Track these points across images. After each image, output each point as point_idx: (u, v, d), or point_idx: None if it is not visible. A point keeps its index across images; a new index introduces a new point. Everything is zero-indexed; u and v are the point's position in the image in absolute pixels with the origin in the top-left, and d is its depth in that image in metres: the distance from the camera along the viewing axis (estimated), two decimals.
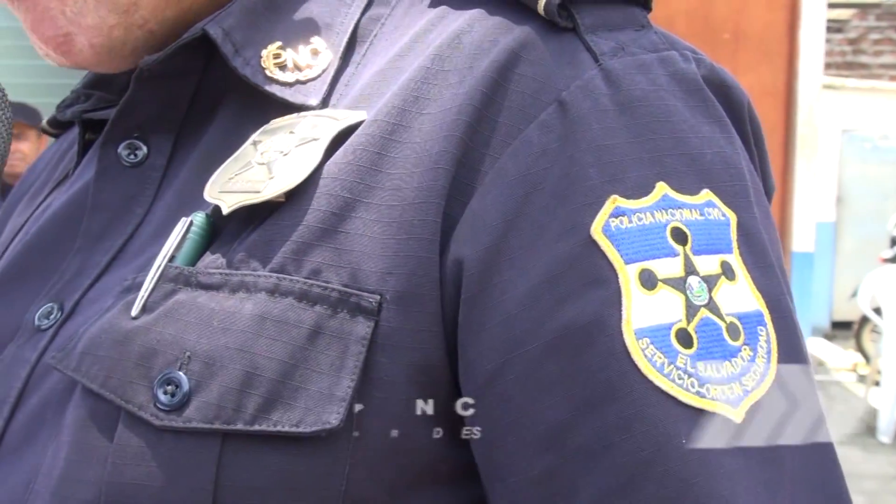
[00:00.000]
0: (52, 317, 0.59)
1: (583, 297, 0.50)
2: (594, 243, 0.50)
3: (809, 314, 5.44)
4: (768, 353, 0.52)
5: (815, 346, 7.61)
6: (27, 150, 3.30)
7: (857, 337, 7.00)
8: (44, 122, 0.79)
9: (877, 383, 6.05)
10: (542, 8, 0.56)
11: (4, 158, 0.73)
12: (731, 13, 5.13)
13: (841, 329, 8.22)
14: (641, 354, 0.49)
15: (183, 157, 0.63)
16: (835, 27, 8.99)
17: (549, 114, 0.54)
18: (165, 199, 0.61)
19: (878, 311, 6.01)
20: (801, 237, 5.17)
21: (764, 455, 0.49)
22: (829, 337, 8.28)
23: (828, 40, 8.28)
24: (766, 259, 0.55)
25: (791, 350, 0.53)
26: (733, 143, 0.56)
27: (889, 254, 6.53)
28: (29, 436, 0.56)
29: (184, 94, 0.64)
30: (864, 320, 6.70)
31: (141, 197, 0.62)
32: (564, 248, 0.51)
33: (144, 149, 0.64)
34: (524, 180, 0.52)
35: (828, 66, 8.27)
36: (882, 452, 5.48)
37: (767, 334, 0.52)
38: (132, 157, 0.63)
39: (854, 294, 6.57)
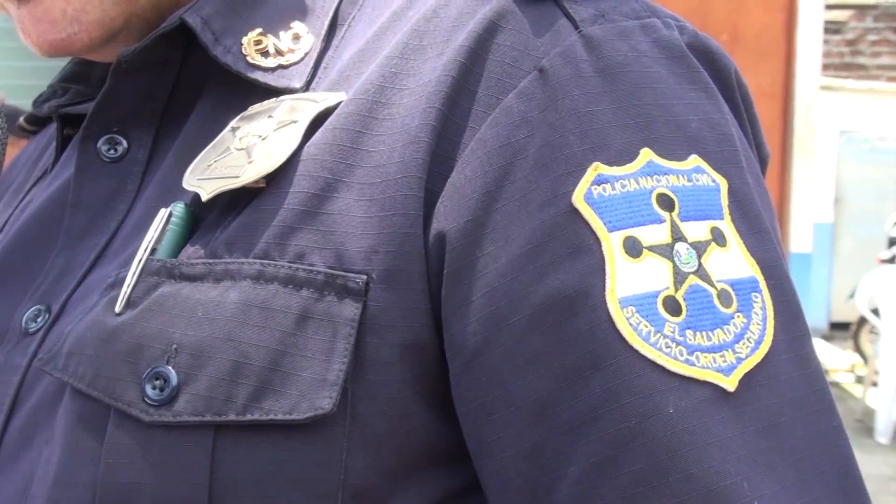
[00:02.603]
0: (39, 319, 0.58)
1: (565, 267, 0.49)
2: (576, 212, 0.49)
3: (807, 315, 5.43)
4: (764, 319, 0.50)
5: None
6: None
7: (855, 338, 7.00)
8: (20, 119, 0.78)
9: (874, 384, 6.05)
10: None
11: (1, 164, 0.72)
12: (728, 14, 5.13)
13: (839, 330, 8.21)
14: (626, 323, 0.47)
15: (165, 150, 0.62)
16: (832, 28, 9.00)
17: (528, 82, 0.53)
18: (147, 193, 0.60)
19: (875, 311, 6.01)
20: (799, 238, 5.17)
21: (761, 424, 0.48)
22: (827, 338, 8.28)
23: (826, 41, 8.28)
24: (760, 224, 0.53)
25: (789, 316, 0.51)
26: (721, 110, 0.55)
27: (887, 255, 6.53)
28: (25, 441, 0.56)
29: (163, 86, 0.63)
30: (862, 321, 6.70)
31: (123, 192, 0.61)
32: (545, 217, 0.50)
33: (125, 143, 0.63)
34: (504, 150, 0.51)
35: (825, 67, 8.27)
36: (880, 453, 5.48)
37: (763, 301, 0.50)
38: (112, 151, 0.62)
39: (852, 295, 6.57)
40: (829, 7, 8.37)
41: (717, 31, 5.10)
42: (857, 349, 7.01)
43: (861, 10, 9.23)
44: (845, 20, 9.20)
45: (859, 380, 6.90)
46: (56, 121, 0.70)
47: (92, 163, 0.62)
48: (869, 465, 5.25)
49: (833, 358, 7.62)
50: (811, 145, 5.13)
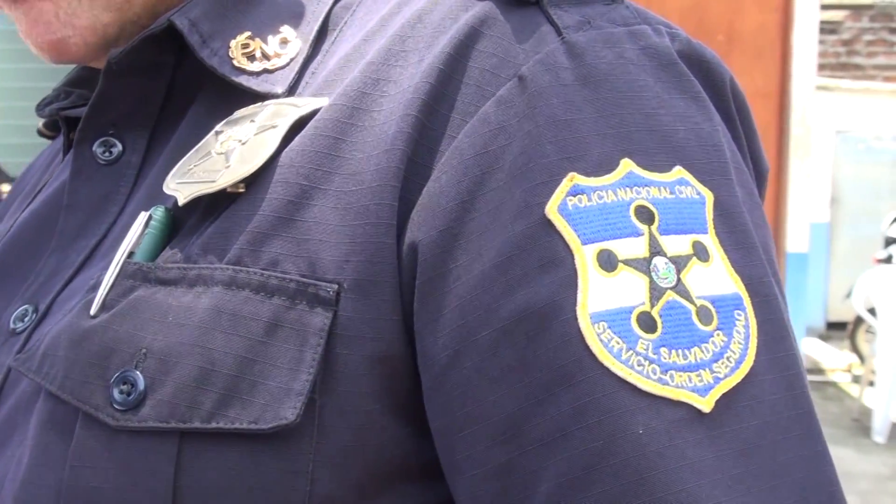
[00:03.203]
0: (26, 319, 0.58)
1: (537, 280, 0.47)
2: (549, 223, 0.48)
3: (804, 315, 5.44)
4: (746, 338, 0.48)
5: (810, 347, 7.62)
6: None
7: (852, 337, 7.00)
8: (40, 125, 0.78)
9: (871, 383, 6.06)
10: None
11: None
12: (724, 15, 5.13)
13: (836, 329, 8.22)
14: (597, 339, 0.46)
15: (158, 153, 0.62)
16: (829, 28, 9.00)
17: (507, 89, 0.51)
18: (138, 196, 0.60)
19: (872, 311, 6.02)
20: (796, 238, 5.17)
21: (739, 447, 0.46)
22: (823, 337, 8.28)
23: (822, 42, 8.29)
24: (747, 239, 0.51)
25: (775, 335, 0.49)
26: (711, 119, 0.53)
27: (883, 254, 6.53)
28: (3, 440, 0.55)
29: (157, 89, 0.63)
30: (859, 321, 6.71)
31: (115, 195, 0.61)
32: (519, 229, 0.48)
33: (119, 146, 0.62)
34: (481, 159, 0.50)
35: (822, 67, 8.27)
36: (876, 452, 5.49)
37: (746, 319, 0.49)
38: (107, 154, 0.62)
39: (848, 295, 6.58)
40: (825, 7, 8.38)
41: (713, 31, 5.10)
42: (854, 349, 7.01)
43: (857, 10, 9.24)
44: (841, 20, 9.21)
45: (856, 379, 6.90)
46: (61, 124, 0.70)
47: (87, 165, 0.62)
48: (865, 464, 5.25)
49: (830, 357, 7.62)
50: (807, 145, 5.13)
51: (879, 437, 5.66)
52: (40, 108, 0.73)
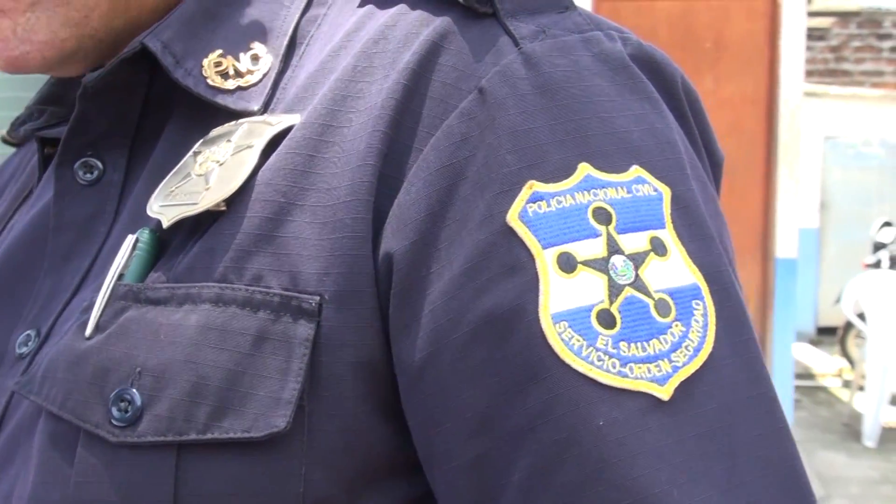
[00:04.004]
0: (30, 343, 0.60)
1: (501, 285, 0.50)
2: (511, 231, 0.50)
3: (794, 320, 5.45)
4: (704, 326, 0.50)
5: (800, 352, 7.63)
6: None
7: (842, 342, 7.02)
8: (3, 133, 0.78)
9: (861, 388, 6.08)
10: None
11: None
12: (712, 22, 5.15)
13: (826, 335, 8.24)
14: (558, 338, 0.48)
15: (138, 171, 0.63)
16: (817, 35, 9.05)
17: (469, 102, 0.53)
18: (123, 217, 0.61)
19: (861, 316, 6.04)
20: (785, 243, 5.19)
21: (699, 430, 0.48)
22: (814, 342, 8.31)
23: (810, 48, 8.33)
24: (704, 231, 0.53)
25: (733, 321, 0.52)
26: (665, 118, 0.55)
27: (872, 259, 6.56)
28: (6, 461, 0.57)
29: (132, 108, 0.64)
30: (849, 326, 6.73)
31: (102, 215, 0.62)
32: (482, 237, 0.51)
33: (100, 166, 0.63)
34: (447, 171, 0.52)
35: (810, 73, 8.31)
36: (867, 457, 5.50)
37: (704, 308, 0.51)
38: (88, 175, 0.63)
39: (838, 300, 6.60)
40: (813, 14, 8.42)
41: (701, 39, 5.12)
42: (844, 353, 7.04)
43: (844, 16, 9.29)
44: (829, 27, 9.25)
45: (846, 384, 6.93)
46: (36, 142, 0.71)
47: (70, 187, 0.63)
48: (856, 468, 5.26)
49: (820, 362, 7.64)
50: (796, 151, 5.15)
51: (870, 441, 5.68)
52: (14, 129, 0.74)
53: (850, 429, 5.98)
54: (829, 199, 8.60)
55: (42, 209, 0.66)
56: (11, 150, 0.81)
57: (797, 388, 6.19)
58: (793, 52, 5.11)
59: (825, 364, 7.62)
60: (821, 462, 5.29)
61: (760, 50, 5.14)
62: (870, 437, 5.68)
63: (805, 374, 7.28)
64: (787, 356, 5.33)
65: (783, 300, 5.25)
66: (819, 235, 8.44)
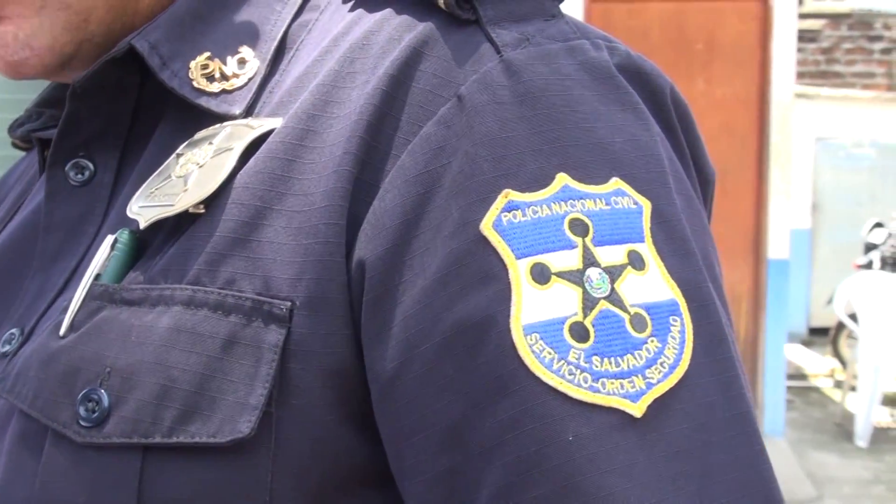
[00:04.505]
0: (13, 342, 0.60)
1: (473, 294, 0.49)
2: (484, 239, 0.49)
3: (786, 321, 5.46)
4: (681, 343, 0.49)
5: (792, 353, 7.65)
6: None
7: (834, 343, 7.04)
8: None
9: (853, 388, 6.09)
10: (442, 2, 0.55)
11: None
12: (704, 24, 5.17)
13: (818, 335, 8.25)
14: (529, 350, 0.47)
15: (129, 173, 0.63)
16: (808, 37, 9.07)
17: (447, 109, 0.53)
18: (111, 217, 0.61)
19: (853, 317, 6.05)
20: (777, 244, 5.20)
21: (671, 449, 0.47)
22: (806, 343, 8.32)
23: (801, 50, 8.36)
24: (684, 246, 0.52)
25: (712, 339, 0.51)
26: (649, 130, 0.54)
27: (863, 260, 6.58)
28: None
29: (124, 109, 0.64)
30: (841, 326, 6.74)
31: (91, 216, 0.62)
32: (455, 245, 0.50)
33: (91, 167, 0.63)
34: (422, 178, 0.52)
35: (801, 75, 8.34)
36: (859, 457, 5.51)
37: (682, 324, 0.50)
38: (80, 176, 0.63)
39: (830, 301, 6.62)
40: (804, 16, 8.44)
41: (693, 41, 5.14)
42: (836, 354, 7.05)
43: (835, 18, 9.31)
44: (820, 29, 9.28)
45: (838, 384, 6.94)
46: (35, 144, 0.71)
47: (60, 187, 0.63)
48: (848, 469, 5.27)
49: (812, 363, 7.66)
50: (787, 152, 5.17)
51: (862, 441, 5.69)
52: (13, 130, 0.73)
53: (842, 429, 5.99)
54: (821, 200, 8.62)
55: (35, 209, 0.67)
56: (18, 153, 0.81)
57: (789, 388, 6.20)
58: (784, 53, 5.12)
59: (817, 364, 7.63)
60: (813, 462, 5.30)
61: (752, 51, 5.15)
62: (861, 437, 5.70)
63: (797, 375, 7.30)
64: (780, 357, 5.34)
65: (775, 301, 5.26)
66: (811, 236, 8.46)
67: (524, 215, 0.50)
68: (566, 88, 0.53)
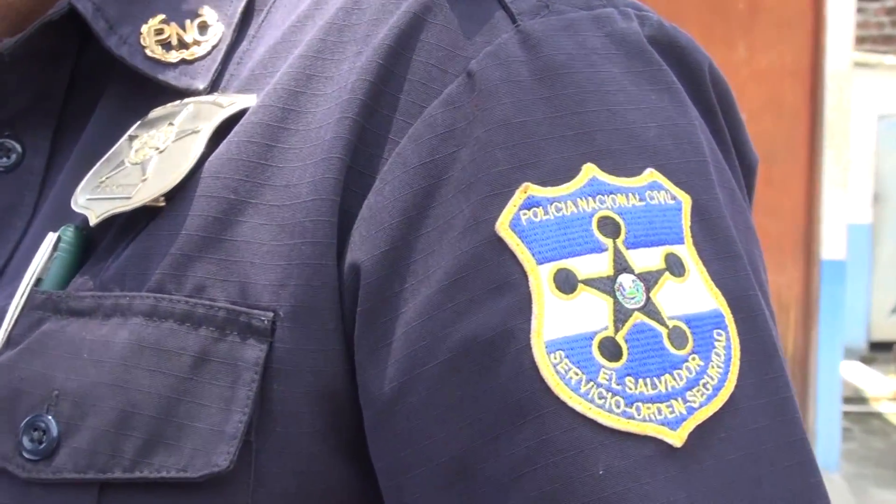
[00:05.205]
0: None
1: (487, 305, 0.49)
2: (500, 241, 0.50)
3: (842, 333, 5.47)
4: (727, 361, 0.50)
5: (849, 372, 7.67)
6: None
7: None
8: None
9: None
10: None
11: None
12: None
13: (880, 351, 8.29)
14: (552, 371, 0.48)
15: (64, 156, 0.63)
16: None
17: (455, 87, 0.53)
18: (44, 210, 0.61)
19: None
20: (831, 243, 5.21)
21: (716, 484, 0.47)
22: (866, 360, 8.36)
23: (861, 10, 8.36)
24: (730, 248, 0.53)
25: (761, 355, 0.51)
26: (687, 114, 0.55)
27: None
28: None
29: (58, 81, 0.63)
30: None
31: (21, 206, 0.62)
32: (467, 248, 0.50)
33: (18, 149, 0.63)
34: (426, 169, 0.52)
35: (861, 40, 8.35)
36: None
37: (727, 339, 0.50)
38: (5, 159, 0.63)
39: (894, 309, 6.64)
40: None
41: (734, 1, 5.14)
42: None
43: None
44: None
45: None
46: None
47: None
48: None
49: (873, 384, 7.69)
50: (844, 133, 5.17)
51: None
52: None
53: None
54: (884, 189, 8.64)
55: None
56: None
57: (846, 414, 6.21)
58: (841, 14, 5.13)
59: (879, 385, 7.66)
60: (874, 502, 5.31)
61: (803, 13, 5.16)
62: None
63: (855, 398, 7.32)
64: (835, 376, 5.35)
65: (829, 310, 5.27)
66: (871, 233, 8.48)
67: (546, 213, 0.50)
68: (592, 65, 0.53)
